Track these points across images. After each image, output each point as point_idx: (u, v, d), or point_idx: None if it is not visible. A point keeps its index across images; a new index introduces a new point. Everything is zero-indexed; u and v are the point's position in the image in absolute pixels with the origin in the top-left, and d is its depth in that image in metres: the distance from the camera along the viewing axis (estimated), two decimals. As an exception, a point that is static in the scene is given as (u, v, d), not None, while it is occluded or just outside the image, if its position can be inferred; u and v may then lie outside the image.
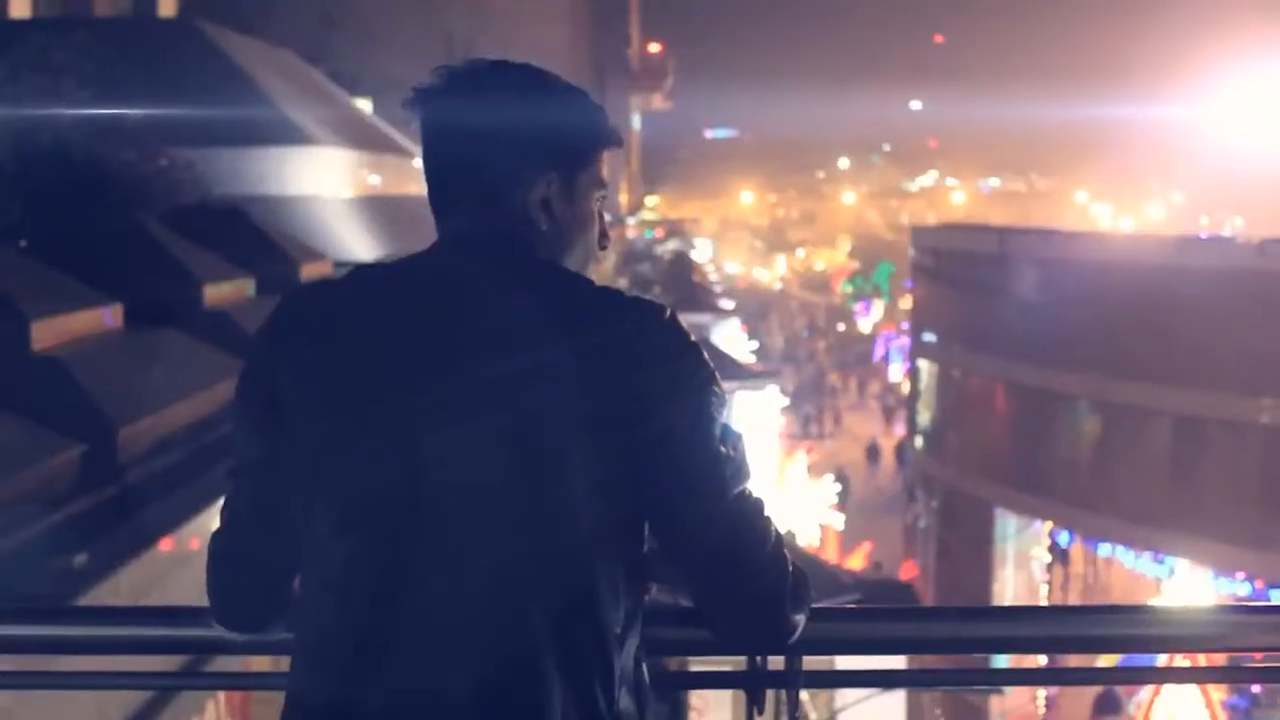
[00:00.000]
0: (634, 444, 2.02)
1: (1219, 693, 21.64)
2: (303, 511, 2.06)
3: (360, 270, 2.20)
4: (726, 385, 2.16)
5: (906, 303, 47.84)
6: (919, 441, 36.36)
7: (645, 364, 2.04)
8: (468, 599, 1.98)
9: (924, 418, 35.86)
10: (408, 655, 1.98)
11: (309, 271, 13.89)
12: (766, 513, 2.14)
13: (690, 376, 2.07)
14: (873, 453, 48.38)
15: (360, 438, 2.02)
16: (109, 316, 9.74)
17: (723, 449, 2.08)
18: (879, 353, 68.51)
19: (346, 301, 2.11)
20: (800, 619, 2.20)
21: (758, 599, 2.14)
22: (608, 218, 2.37)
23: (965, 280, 33.00)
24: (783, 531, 2.18)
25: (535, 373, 1.99)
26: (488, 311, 2.04)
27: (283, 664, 2.35)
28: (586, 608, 2.02)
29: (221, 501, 2.21)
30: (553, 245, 2.17)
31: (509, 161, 2.16)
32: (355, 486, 2.02)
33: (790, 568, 2.16)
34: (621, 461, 2.02)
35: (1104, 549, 29.82)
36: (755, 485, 2.14)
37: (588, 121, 2.24)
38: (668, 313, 2.09)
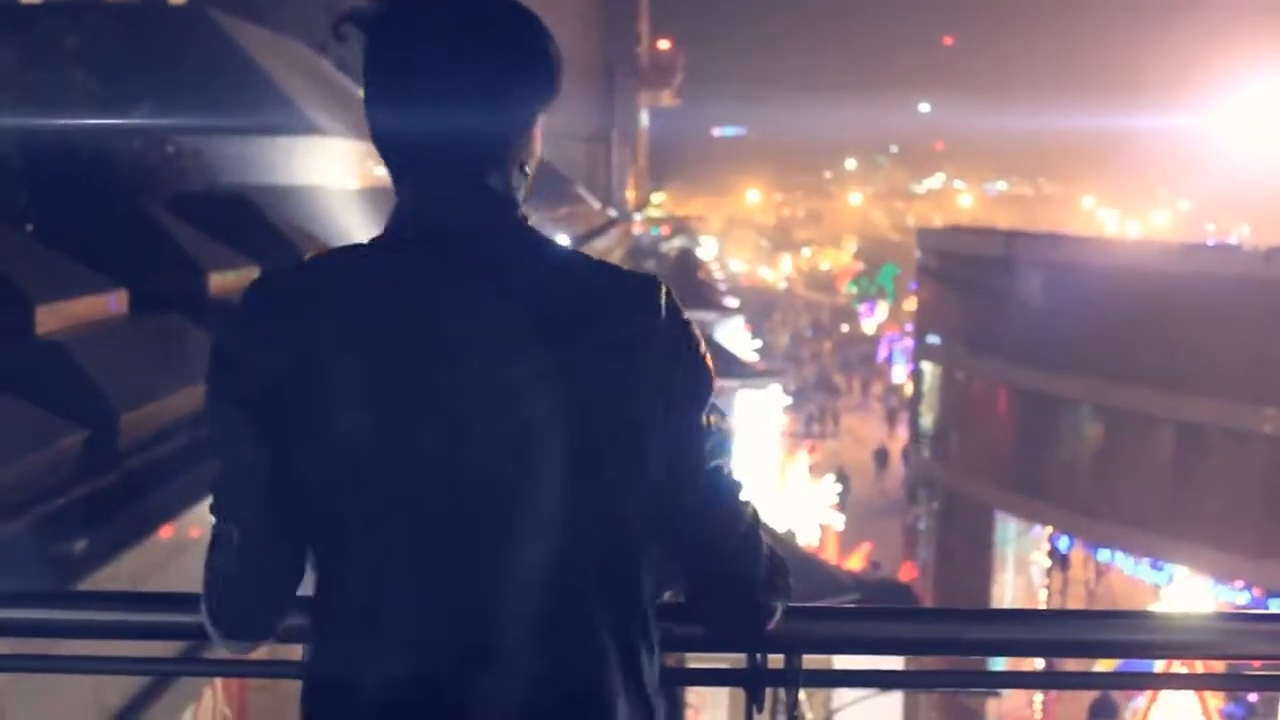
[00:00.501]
0: (645, 430, 2.00)
1: (1216, 700, 21.64)
2: (323, 502, 1.97)
3: (344, 256, 2.05)
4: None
5: (911, 304, 47.77)
6: (921, 443, 36.37)
7: (652, 351, 2.01)
8: (524, 585, 1.96)
9: (926, 420, 35.86)
10: (464, 636, 1.96)
11: (314, 261, 13.84)
12: (744, 496, 2.11)
13: (692, 358, 2.05)
14: (881, 457, 47.96)
15: (401, 426, 1.94)
16: (114, 302, 9.75)
17: (707, 421, 2.06)
18: (882, 354, 68.49)
19: (348, 288, 1.99)
20: (777, 605, 2.17)
21: (731, 581, 2.11)
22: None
23: (970, 283, 32.99)
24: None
25: (556, 363, 1.95)
26: (502, 303, 1.97)
27: (281, 652, 2.35)
28: (633, 590, 2.02)
29: (212, 510, 2.07)
30: (524, 196, 2.09)
31: (495, 135, 2.04)
32: (398, 473, 1.95)
33: (765, 551, 2.12)
34: (635, 446, 2.00)
35: (1103, 555, 29.82)
36: (734, 467, 2.11)
37: (552, 58, 2.07)
38: (664, 291, 2.05)
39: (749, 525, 2.11)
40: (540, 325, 1.96)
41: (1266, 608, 24.40)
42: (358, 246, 2.06)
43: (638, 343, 2.00)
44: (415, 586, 1.96)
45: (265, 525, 2.01)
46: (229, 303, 11.28)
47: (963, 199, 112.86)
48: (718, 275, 53.14)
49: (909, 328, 49.43)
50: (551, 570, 1.96)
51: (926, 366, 36.52)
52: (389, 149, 2.07)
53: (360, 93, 2.15)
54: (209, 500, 2.05)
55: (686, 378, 2.04)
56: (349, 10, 2.04)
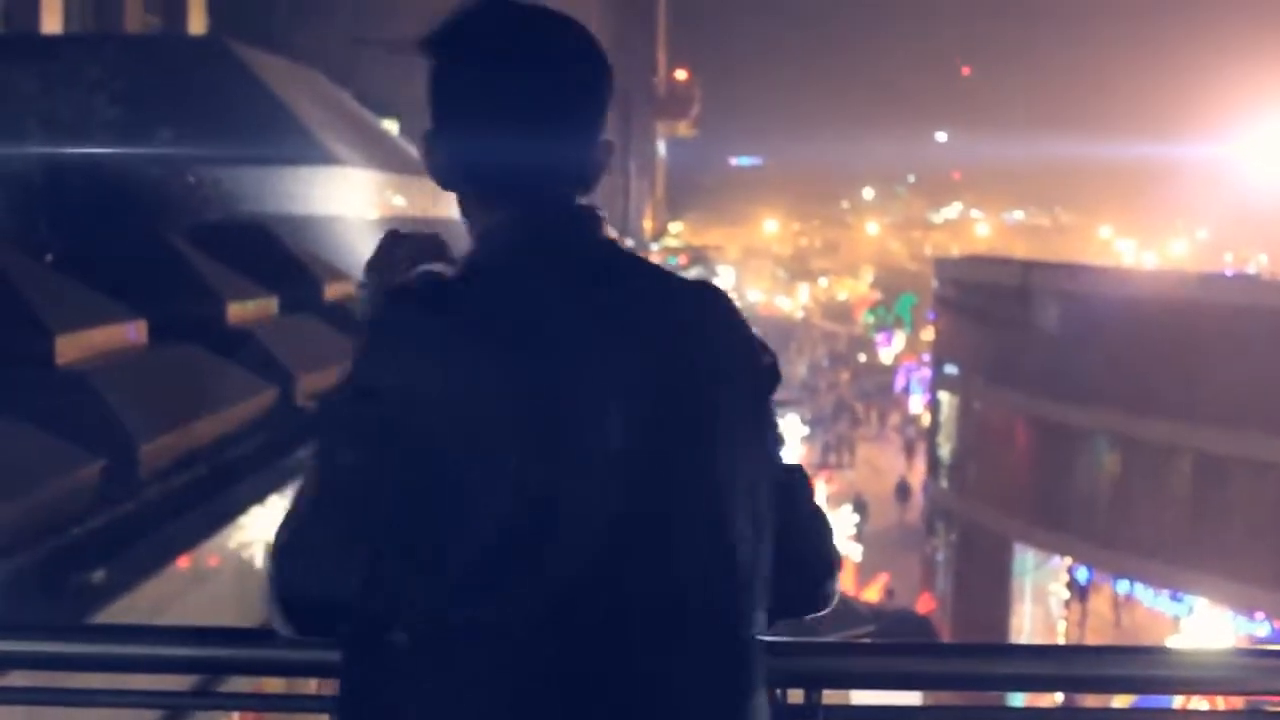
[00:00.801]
0: (761, 425, 2.06)
1: (1236, 733, 21.52)
2: (467, 524, 1.87)
3: (472, 282, 1.97)
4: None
5: (928, 334, 47.71)
6: (939, 474, 36.28)
7: (743, 348, 2.09)
8: (690, 582, 1.93)
9: (944, 450, 35.77)
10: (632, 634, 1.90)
11: (333, 292, 13.93)
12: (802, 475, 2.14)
13: (761, 349, 2.11)
14: (902, 491, 47.45)
15: (568, 443, 1.89)
16: (133, 332, 9.78)
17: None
18: (900, 384, 68.42)
19: (490, 312, 1.91)
20: (836, 583, 2.17)
21: (804, 562, 2.10)
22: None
23: (988, 313, 32.94)
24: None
25: (693, 371, 1.99)
26: (632, 315, 1.97)
27: (298, 685, 2.35)
28: (756, 617, 2.01)
29: (309, 487, 1.94)
30: None
31: (582, 153, 2.05)
32: (571, 485, 1.88)
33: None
34: (760, 444, 2.05)
35: (1122, 586, 29.70)
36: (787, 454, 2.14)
37: (609, 66, 2.07)
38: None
39: (817, 504, 2.14)
40: (669, 336, 1.99)
41: (1287, 640, 24.27)
42: (481, 274, 1.99)
43: (735, 341, 2.07)
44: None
45: (367, 536, 1.90)
46: (248, 333, 11.27)
47: (980, 229, 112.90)
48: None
49: (926, 358, 49.36)
50: (712, 571, 1.94)
51: (944, 396, 36.45)
52: (473, 177, 2.04)
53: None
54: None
55: (761, 366, 2.09)
56: (428, 34, 2.02)
